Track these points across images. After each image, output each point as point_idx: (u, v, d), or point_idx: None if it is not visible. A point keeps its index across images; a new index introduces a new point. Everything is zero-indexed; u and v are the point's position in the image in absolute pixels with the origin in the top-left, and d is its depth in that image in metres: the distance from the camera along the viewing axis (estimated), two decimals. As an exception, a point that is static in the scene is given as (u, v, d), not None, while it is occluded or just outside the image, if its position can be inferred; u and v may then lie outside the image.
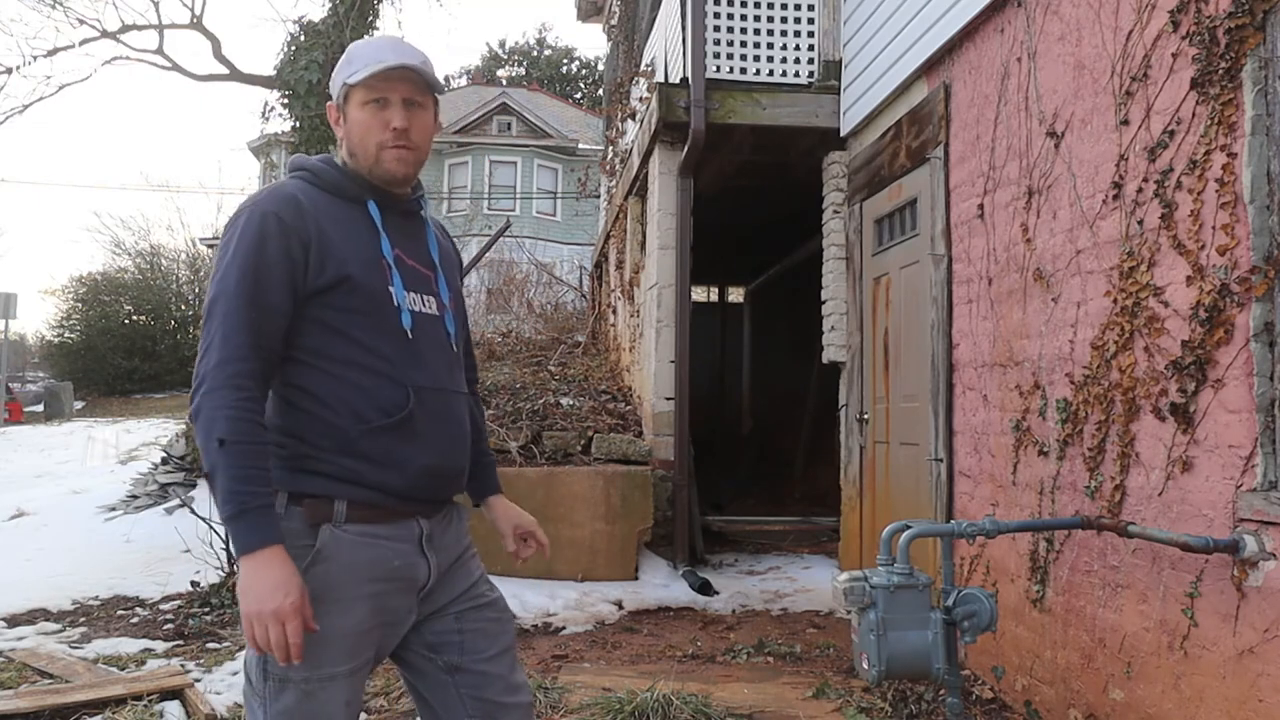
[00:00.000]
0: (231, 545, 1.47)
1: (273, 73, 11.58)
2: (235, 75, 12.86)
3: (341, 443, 1.57)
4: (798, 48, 5.95)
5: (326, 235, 1.60)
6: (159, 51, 13.27)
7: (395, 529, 1.62)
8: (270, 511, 1.48)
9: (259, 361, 1.52)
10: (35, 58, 12.97)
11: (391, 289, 1.64)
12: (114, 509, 8.08)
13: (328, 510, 1.56)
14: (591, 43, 47.18)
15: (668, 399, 6.03)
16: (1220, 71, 2.53)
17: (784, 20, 5.96)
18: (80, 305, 23.83)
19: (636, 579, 5.54)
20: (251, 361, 1.51)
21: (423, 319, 1.69)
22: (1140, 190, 2.87)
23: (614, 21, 10.75)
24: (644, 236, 7.16)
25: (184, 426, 11.33)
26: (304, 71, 11.12)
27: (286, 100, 11.42)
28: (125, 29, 13.12)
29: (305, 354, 1.59)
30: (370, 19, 11.58)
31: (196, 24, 12.87)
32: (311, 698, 1.52)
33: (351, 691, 1.58)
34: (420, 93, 1.67)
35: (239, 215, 1.59)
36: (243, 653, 4.23)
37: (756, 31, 5.95)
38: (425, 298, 1.71)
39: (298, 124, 11.38)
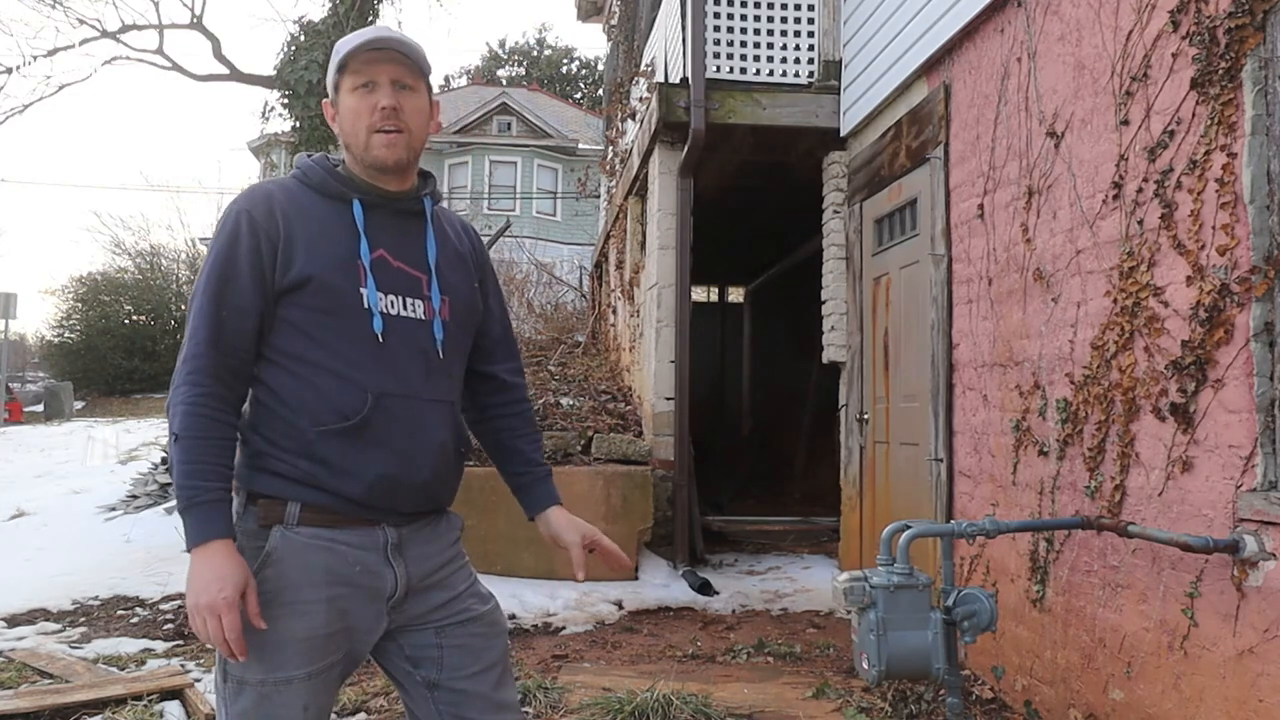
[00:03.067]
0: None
1: (273, 73, 11.58)
2: (235, 75, 12.85)
3: (299, 444, 1.55)
4: (798, 48, 5.95)
5: (295, 234, 1.58)
6: (159, 51, 13.26)
7: (356, 535, 1.58)
8: (221, 506, 1.48)
9: (220, 357, 1.53)
10: (35, 58, 12.96)
11: (363, 291, 1.59)
12: (114, 509, 8.08)
13: (280, 511, 1.55)
14: (591, 43, 47.20)
15: (668, 399, 6.03)
16: (1220, 71, 2.53)
17: (784, 20, 5.96)
18: (80, 305, 23.84)
19: (636, 579, 5.53)
20: (208, 358, 1.52)
21: (399, 323, 1.62)
22: (1140, 190, 2.87)
23: (614, 21, 10.75)
24: (644, 236, 7.16)
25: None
26: (304, 71, 11.11)
27: (286, 100, 11.42)
28: (125, 29, 13.11)
29: (273, 353, 1.58)
30: (370, 19, 11.58)
31: (196, 24, 12.86)
32: (268, 700, 1.51)
33: (310, 695, 1.54)
34: (410, 75, 1.63)
35: (221, 219, 1.61)
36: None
37: (756, 31, 5.95)
38: (410, 301, 1.65)
39: (298, 124, 11.38)
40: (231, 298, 1.54)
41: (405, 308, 1.64)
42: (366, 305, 1.60)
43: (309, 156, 1.68)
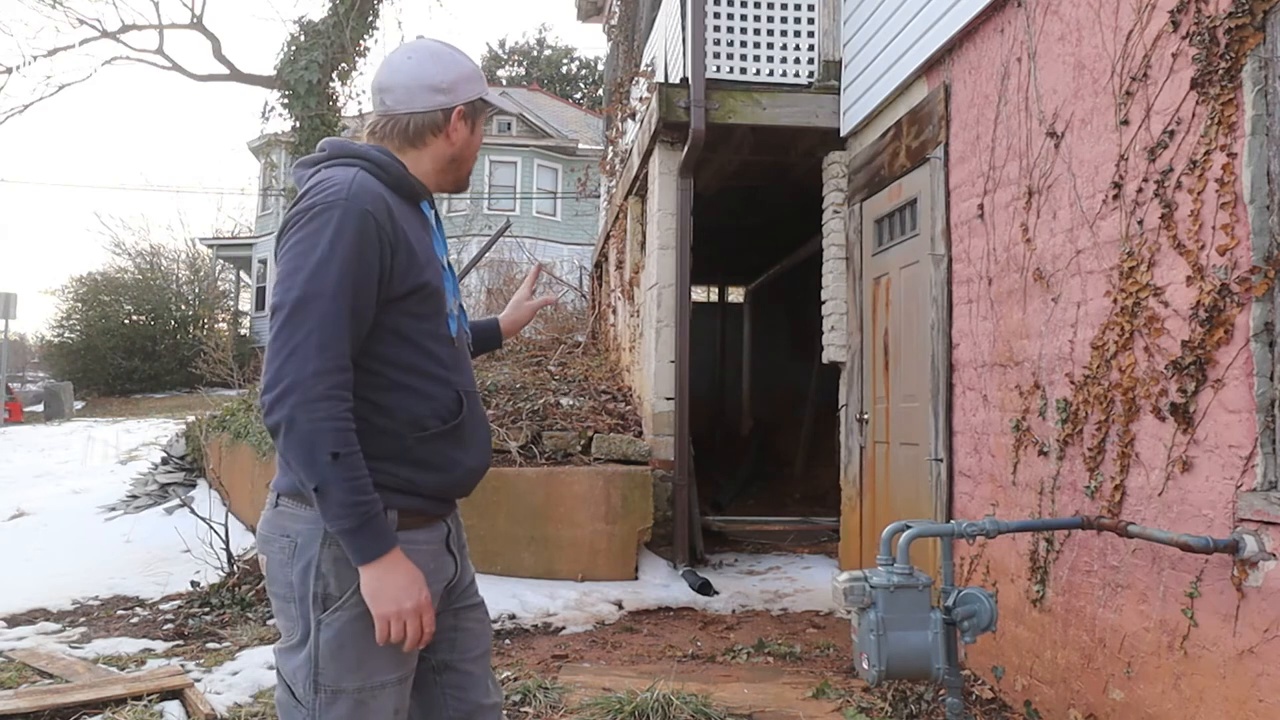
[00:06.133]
0: (351, 555, 1.48)
1: (273, 73, 11.59)
2: (235, 75, 12.87)
3: (398, 452, 1.56)
4: (798, 48, 5.95)
5: (408, 239, 1.57)
6: (159, 51, 13.29)
7: (431, 532, 1.63)
8: (384, 516, 1.49)
9: (351, 372, 1.49)
10: (35, 58, 12.98)
11: (446, 293, 1.66)
12: (114, 509, 8.08)
13: None
14: (591, 43, 47.20)
15: (668, 399, 6.03)
16: (1220, 71, 2.53)
17: (784, 20, 5.96)
18: (80, 305, 23.80)
19: (636, 579, 5.54)
20: (349, 371, 1.48)
21: (459, 322, 1.72)
22: (1140, 190, 2.87)
23: (614, 21, 10.75)
24: (644, 236, 7.16)
25: (183, 426, 11.34)
26: (304, 71, 11.13)
27: (286, 100, 11.44)
28: (125, 29, 13.13)
29: (372, 361, 1.55)
30: (370, 19, 11.60)
31: (196, 24, 12.87)
32: (363, 707, 1.53)
33: (400, 699, 1.58)
34: None
35: (329, 208, 1.49)
36: (243, 653, 4.23)
37: (756, 31, 5.95)
38: (455, 299, 1.74)
39: (298, 124, 11.40)
40: (361, 307, 1.50)
41: (457, 307, 1.74)
42: (449, 307, 1.66)
43: (368, 146, 1.63)
